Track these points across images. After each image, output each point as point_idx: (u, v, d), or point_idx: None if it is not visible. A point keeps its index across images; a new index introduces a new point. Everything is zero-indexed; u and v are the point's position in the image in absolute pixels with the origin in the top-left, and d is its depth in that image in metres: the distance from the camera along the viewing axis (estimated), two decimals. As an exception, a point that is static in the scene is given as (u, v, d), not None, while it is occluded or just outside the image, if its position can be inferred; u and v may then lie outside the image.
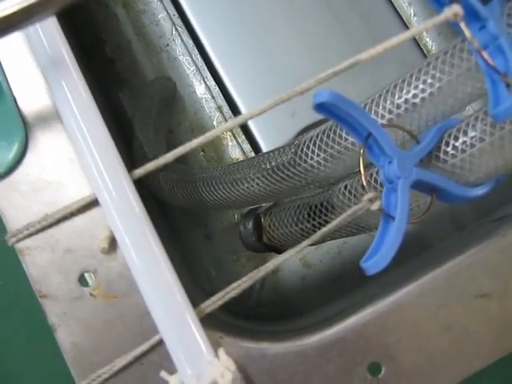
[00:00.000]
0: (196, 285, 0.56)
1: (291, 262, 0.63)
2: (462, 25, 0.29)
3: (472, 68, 0.33)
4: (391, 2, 0.69)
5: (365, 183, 0.32)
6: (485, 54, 0.30)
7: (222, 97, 0.68)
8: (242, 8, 0.68)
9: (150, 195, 0.54)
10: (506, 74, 0.29)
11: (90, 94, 0.32)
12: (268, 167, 0.43)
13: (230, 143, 0.67)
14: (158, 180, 0.53)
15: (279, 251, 0.47)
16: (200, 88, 0.68)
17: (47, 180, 0.31)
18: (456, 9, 0.29)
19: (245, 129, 0.65)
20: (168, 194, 0.51)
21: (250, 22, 0.68)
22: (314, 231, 0.42)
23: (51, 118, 0.32)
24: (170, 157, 0.31)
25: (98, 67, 0.53)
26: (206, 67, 0.68)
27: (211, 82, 0.68)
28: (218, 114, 0.68)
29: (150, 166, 0.31)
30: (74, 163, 0.32)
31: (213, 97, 0.68)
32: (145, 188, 0.53)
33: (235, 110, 0.66)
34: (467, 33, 0.29)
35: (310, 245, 0.44)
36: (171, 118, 0.66)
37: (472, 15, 0.30)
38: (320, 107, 0.31)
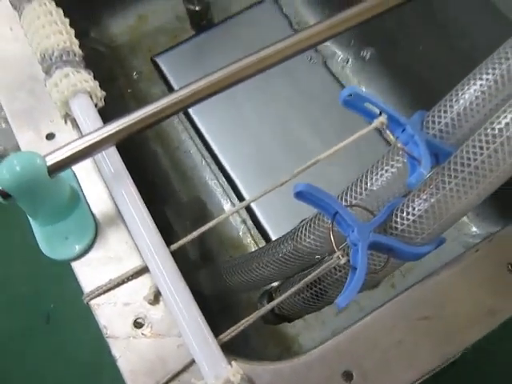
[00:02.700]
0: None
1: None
2: (387, 131, 0.43)
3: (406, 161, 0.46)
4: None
5: (334, 245, 0.44)
6: (405, 149, 0.43)
7: (246, 212, 0.82)
8: (258, 144, 0.85)
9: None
10: (420, 160, 0.42)
11: (141, 200, 0.46)
12: (274, 252, 0.56)
13: (253, 248, 0.80)
14: (196, 276, 0.66)
15: (289, 320, 0.58)
16: (227, 206, 0.83)
17: (110, 256, 0.45)
18: (382, 119, 0.43)
19: (265, 236, 0.79)
20: (203, 285, 0.64)
21: (265, 152, 0.84)
22: (313, 299, 0.54)
23: (114, 216, 0.47)
24: (189, 237, 0.44)
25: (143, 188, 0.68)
26: (231, 189, 0.83)
27: (236, 201, 0.83)
28: (242, 225, 0.82)
29: (180, 242, 0.44)
30: (129, 245, 0.45)
31: (238, 212, 0.83)
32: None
33: (255, 220, 0.80)
34: (391, 137, 0.43)
35: (312, 311, 0.55)
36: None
37: (395, 122, 0.44)
38: (299, 195, 0.44)
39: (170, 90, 0.89)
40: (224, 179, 0.84)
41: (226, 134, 0.84)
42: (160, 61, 0.91)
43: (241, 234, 0.81)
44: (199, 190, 0.85)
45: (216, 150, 0.84)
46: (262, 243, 0.80)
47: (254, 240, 0.81)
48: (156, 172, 0.85)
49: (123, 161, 0.48)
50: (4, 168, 0.40)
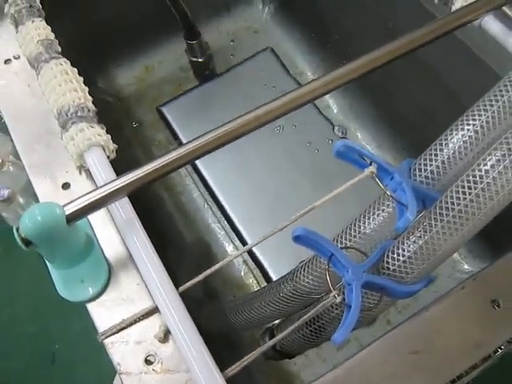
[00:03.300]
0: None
1: None
2: (377, 180, 0.47)
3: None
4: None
5: (330, 285, 0.47)
6: (394, 195, 0.47)
7: (247, 253, 0.86)
8: (257, 188, 0.89)
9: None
10: (407, 205, 0.46)
11: (151, 245, 0.50)
12: (275, 291, 0.59)
13: (255, 287, 0.83)
14: (201, 315, 0.69)
15: (290, 356, 0.61)
16: (229, 247, 0.87)
17: (123, 298, 0.48)
18: (372, 169, 0.47)
19: (265, 276, 0.82)
20: (208, 323, 0.67)
21: (266, 197, 0.88)
22: (312, 335, 0.57)
23: (126, 260, 0.50)
24: (195, 280, 0.47)
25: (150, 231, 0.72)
26: (232, 231, 0.87)
27: (237, 243, 0.87)
28: (244, 266, 0.86)
29: (188, 284, 0.48)
30: (140, 287, 0.49)
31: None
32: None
33: (256, 262, 0.83)
34: (380, 184, 0.47)
35: (312, 347, 0.58)
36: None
37: (385, 171, 0.48)
38: (297, 239, 0.47)
39: (175, 137, 0.94)
40: (226, 222, 0.88)
41: (227, 178, 0.89)
42: (165, 110, 0.96)
43: (243, 274, 0.85)
44: (202, 232, 0.89)
45: (218, 194, 0.88)
46: (264, 282, 0.83)
47: (256, 279, 0.84)
48: (162, 215, 0.90)
49: (131, 205, 0.52)
50: (26, 218, 0.44)
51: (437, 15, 0.72)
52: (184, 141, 0.92)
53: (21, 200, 0.85)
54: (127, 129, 0.98)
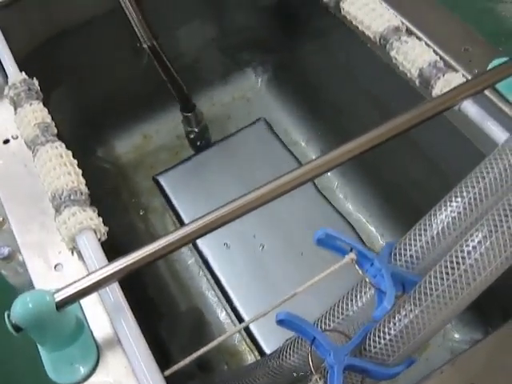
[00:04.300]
0: None
1: None
2: (356, 266, 0.49)
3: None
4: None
5: (312, 369, 0.48)
6: (373, 281, 0.48)
7: (238, 322, 0.87)
8: (250, 258, 0.91)
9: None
10: (385, 292, 0.47)
11: (139, 329, 0.51)
12: (263, 367, 0.60)
13: (249, 357, 0.84)
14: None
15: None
16: (222, 315, 0.88)
17: (111, 381, 0.50)
18: (352, 255, 0.49)
19: (257, 345, 0.83)
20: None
21: (259, 265, 0.90)
22: (298, 412, 0.58)
23: (114, 341, 0.52)
24: (187, 359, 0.49)
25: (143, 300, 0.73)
26: (225, 299, 0.89)
27: (229, 310, 0.88)
28: (237, 335, 0.87)
29: (175, 367, 0.49)
30: (127, 370, 0.50)
31: (232, 321, 0.87)
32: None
33: (248, 331, 0.84)
34: (360, 271, 0.49)
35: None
36: (201, 340, 0.85)
37: (364, 257, 0.50)
38: (281, 322, 0.49)
39: (170, 205, 0.96)
40: (219, 291, 0.89)
41: (222, 248, 0.91)
42: (161, 179, 0.98)
43: (236, 342, 0.86)
44: (196, 300, 0.90)
45: (212, 263, 0.89)
46: (256, 351, 0.84)
47: (248, 347, 0.85)
48: (156, 282, 0.91)
49: (121, 289, 0.53)
50: (18, 305, 0.46)
51: (421, 93, 0.75)
52: (179, 209, 0.94)
53: (20, 258, 0.87)
54: (124, 195, 1.01)
